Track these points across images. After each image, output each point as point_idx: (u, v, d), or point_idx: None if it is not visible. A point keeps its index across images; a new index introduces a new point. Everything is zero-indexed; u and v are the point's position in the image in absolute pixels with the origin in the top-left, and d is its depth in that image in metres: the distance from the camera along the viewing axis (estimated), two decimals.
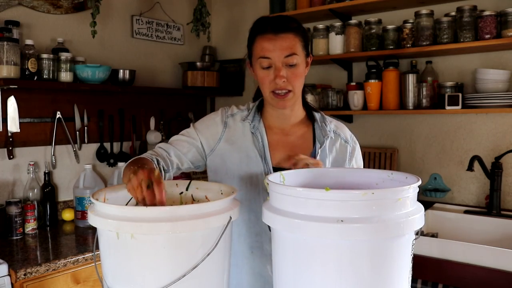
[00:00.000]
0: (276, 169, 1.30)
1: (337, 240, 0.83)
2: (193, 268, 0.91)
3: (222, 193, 1.12)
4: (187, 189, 1.18)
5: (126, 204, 1.12)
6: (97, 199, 0.97)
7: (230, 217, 0.96)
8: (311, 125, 1.38)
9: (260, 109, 1.38)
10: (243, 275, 1.34)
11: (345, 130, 1.41)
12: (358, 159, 1.40)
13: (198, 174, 2.95)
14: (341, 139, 1.38)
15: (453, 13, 2.25)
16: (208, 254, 0.93)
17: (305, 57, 1.29)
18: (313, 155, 1.32)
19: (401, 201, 0.85)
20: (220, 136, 1.35)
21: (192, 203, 1.17)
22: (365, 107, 2.53)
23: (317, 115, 1.39)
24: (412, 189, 0.88)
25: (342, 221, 0.81)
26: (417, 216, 0.87)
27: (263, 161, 1.30)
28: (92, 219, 0.94)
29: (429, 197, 2.46)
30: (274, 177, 1.03)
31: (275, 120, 1.36)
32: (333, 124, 1.39)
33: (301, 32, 1.28)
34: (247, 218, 1.31)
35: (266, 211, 0.93)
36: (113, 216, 0.90)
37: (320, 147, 1.33)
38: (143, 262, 0.91)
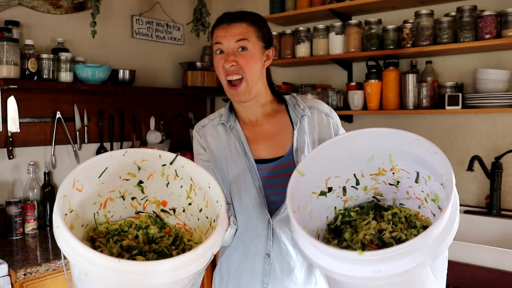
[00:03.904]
0: (258, 161, 1.30)
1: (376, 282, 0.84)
2: None
3: (209, 187, 1.07)
4: (171, 163, 1.10)
5: (99, 177, 1.04)
6: (64, 218, 0.91)
7: (213, 254, 0.93)
8: (284, 109, 1.37)
9: (232, 109, 1.39)
10: (235, 266, 1.35)
11: (322, 104, 1.38)
12: (341, 132, 1.38)
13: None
14: (320, 113, 1.35)
15: (453, 13, 2.24)
16: None
17: (262, 48, 1.30)
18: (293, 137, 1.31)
19: (436, 232, 0.84)
20: (204, 147, 1.38)
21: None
22: (365, 107, 2.53)
23: (288, 98, 1.38)
24: (446, 215, 0.85)
25: (380, 271, 0.81)
26: (452, 230, 0.86)
27: (245, 157, 1.31)
28: (61, 245, 0.86)
29: None
30: (294, 176, 1.02)
31: (245, 113, 1.36)
32: (307, 102, 1.37)
33: (258, 24, 1.30)
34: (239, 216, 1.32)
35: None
36: (81, 255, 0.83)
37: (297, 127, 1.32)
38: None
